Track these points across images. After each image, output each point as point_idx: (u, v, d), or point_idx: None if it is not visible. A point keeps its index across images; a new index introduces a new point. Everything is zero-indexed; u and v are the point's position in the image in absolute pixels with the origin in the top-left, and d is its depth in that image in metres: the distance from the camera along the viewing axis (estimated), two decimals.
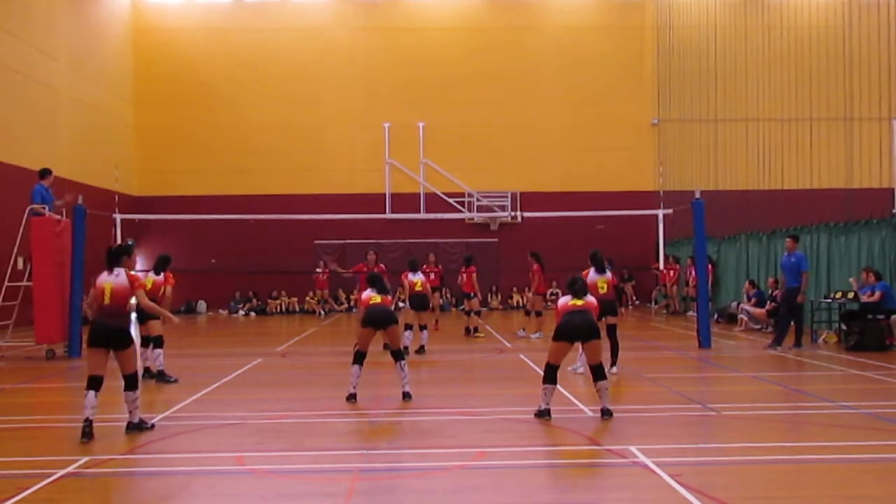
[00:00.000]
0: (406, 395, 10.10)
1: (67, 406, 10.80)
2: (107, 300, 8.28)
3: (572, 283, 9.29)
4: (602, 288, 12.11)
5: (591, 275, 12.12)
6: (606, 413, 8.77)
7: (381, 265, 17.20)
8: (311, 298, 29.21)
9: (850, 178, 27.39)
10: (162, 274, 12.23)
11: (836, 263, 17.97)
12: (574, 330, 8.87)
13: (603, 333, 11.00)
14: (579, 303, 9.08)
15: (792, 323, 15.36)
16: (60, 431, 8.81)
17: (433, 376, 12.83)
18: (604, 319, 11.94)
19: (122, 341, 8.29)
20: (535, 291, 18.41)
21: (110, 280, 8.35)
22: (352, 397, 10.09)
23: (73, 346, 15.13)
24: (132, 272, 8.67)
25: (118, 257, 8.50)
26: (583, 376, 11.98)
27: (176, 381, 11.69)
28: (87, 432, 7.95)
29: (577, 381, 11.44)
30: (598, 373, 8.95)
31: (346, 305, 29.11)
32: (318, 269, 27.37)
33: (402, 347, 10.82)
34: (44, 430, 8.93)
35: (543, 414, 8.80)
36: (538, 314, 18.20)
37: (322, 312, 27.65)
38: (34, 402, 11.02)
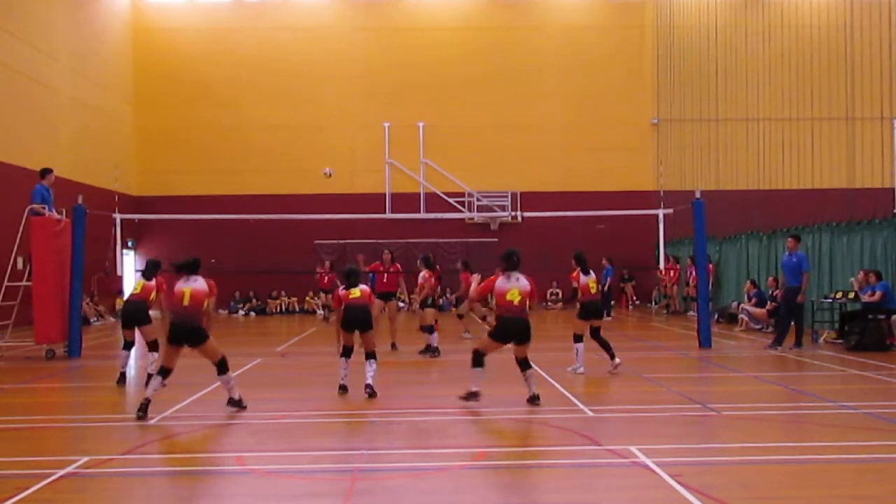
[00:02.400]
0: (367, 387, 10.29)
1: (67, 406, 10.81)
2: (186, 302, 9.30)
3: (507, 256, 9.70)
4: (593, 289, 12.30)
5: (583, 277, 12.28)
6: (535, 399, 9.55)
7: (398, 264, 17.21)
8: (311, 298, 29.20)
9: (851, 177, 27.34)
10: (153, 279, 12.11)
11: (838, 263, 17.97)
12: (510, 334, 9.57)
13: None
14: (515, 301, 9.51)
15: (792, 323, 15.35)
16: (60, 431, 8.80)
17: (433, 376, 12.83)
18: (590, 321, 12.27)
19: (198, 338, 9.28)
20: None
21: (189, 285, 9.42)
22: (343, 388, 10.53)
23: (73, 346, 15.13)
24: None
25: (196, 267, 9.62)
26: (583, 376, 12.00)
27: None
28: (144, 408, 8.95)
29: (578, 382, 11.43)
30: (524, 364, 9.70)
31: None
32: (319, 269, 26.37)
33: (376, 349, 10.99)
34: (44, 430, 8.92)
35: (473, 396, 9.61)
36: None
37: (325, 316, 25.91)
38: (34, 402, 11.01)
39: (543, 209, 24.43)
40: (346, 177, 30.68)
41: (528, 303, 9.60)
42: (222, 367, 9.42)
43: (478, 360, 9.73)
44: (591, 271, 12.47)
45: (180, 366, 13.10)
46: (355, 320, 10.56)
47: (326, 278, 25.28)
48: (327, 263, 26.69)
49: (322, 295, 26.48)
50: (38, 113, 23.69)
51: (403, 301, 22.30)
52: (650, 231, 23.73)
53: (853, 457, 7.06)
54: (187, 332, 9.26)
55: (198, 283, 9.51)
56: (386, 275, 16.17)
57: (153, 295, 11.95)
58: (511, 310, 9.50)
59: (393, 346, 15.65)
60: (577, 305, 12.60)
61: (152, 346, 11.84)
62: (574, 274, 12.43)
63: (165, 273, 12.22)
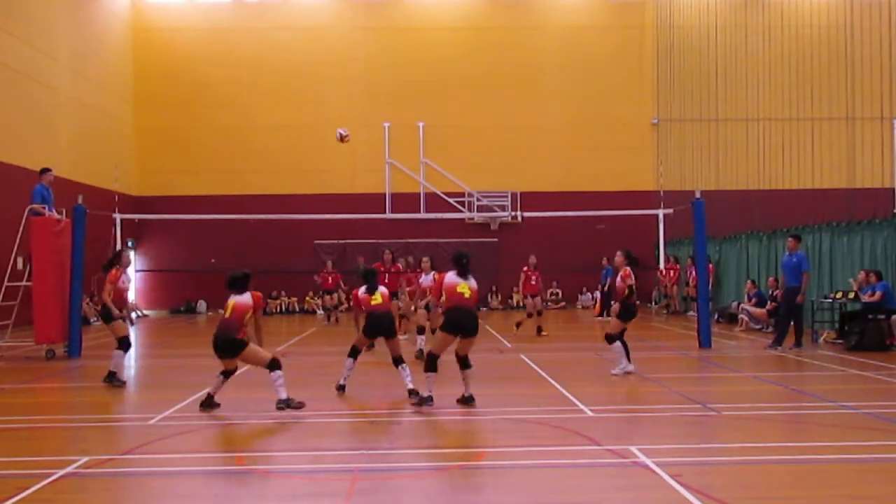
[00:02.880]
0: (412, 393, 9.92)
1: (67, 406, 10.81)
2: (227, 314, 9.33)
3: (458, 258, 9.75)
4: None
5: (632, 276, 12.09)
6: (470, 399, 9.59)
7: (398, 264, 17.17)
8: (311, 298, 29.18)
9: (851, 177, 27.33)
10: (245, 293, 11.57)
11: (838, 263, 17.97)
12: (459, 326, 9.53)
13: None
14: (466, 294, 9.57)
15: (792, 323, 15.35)
16: (60, 431, 8.80)
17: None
18: (628, 323, 11.98)
19: (234, 349, 9.28)
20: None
21: (234, 298, 9.40)
22: (341, 388, 10.50)
23: (73, 346, 15.13)
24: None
25: (245, 282, 9.49)
26: (584, 376, 11.99)
27: (124, 383, 11.53)
28: (208, 403, 9.35)
29: (578, 382, 11.42)
30: (465, 363, 9.73)
31: (346, 305, 28.50)
32: (322, 271, 25.25)
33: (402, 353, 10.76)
34: (44, 430, 8.92)
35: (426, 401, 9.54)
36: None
37: (329, 318, 24.70)
38: (34, 402, 11.01)
39: (543, 209, 24.45)
40: (346, 177, 30.71)
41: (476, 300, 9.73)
42: (273, 365, 9.36)
43: (431, 364, 9.65)
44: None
45: (181, 365, 13.14)
46: (380, 327, 10.37)
47: (331, 279, 24.45)
48: (329, 263, 26.08)
49: (325, 296, 25.31)
50: (38, 113, 23.69)
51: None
52: (650, 231, 23.76)
53: (853, 457, 7.06)
54: (223, 344, 9.31)
55: (243, 297, 9.42)
56: (387, 275, 16.10)
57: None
58: (461, 301, 9.52)
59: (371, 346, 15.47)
60: (618, 305, 12.35)
61: (121, 342, 11.63)
62: (626, 272, 12.04)
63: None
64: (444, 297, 9.68)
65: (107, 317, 11.75)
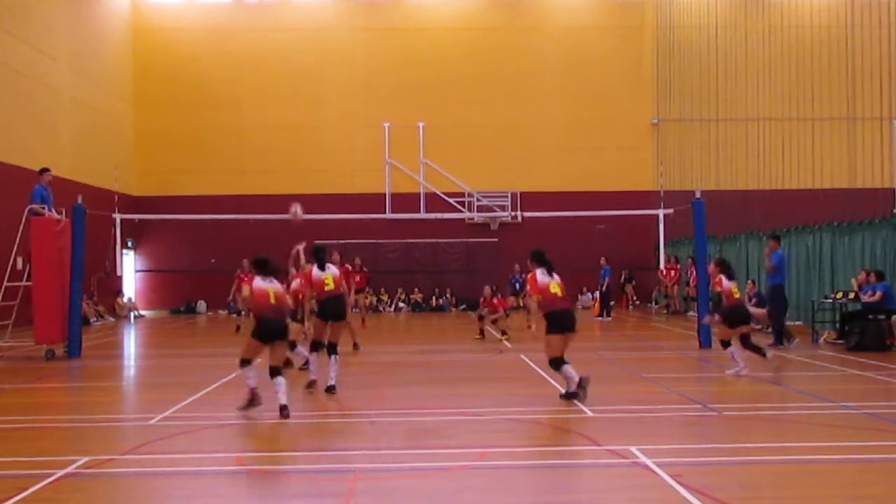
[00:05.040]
0: (330, 388, 10.48)
1: (67, 406, 10.80)
2: (272, 300, 9.36)
3: (315, 252, 10.92)
4: (736, 293, 12.11)
5: (725, 282, 12.06)
6: (331, 389, 10.38)
7: (347, 266, 17.09)
8: (311, 299, 29.08)
9: (851, 178, 27.34)
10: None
11: (839, 263, 17.97)
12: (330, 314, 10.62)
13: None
14: (330, 284, 10.67)
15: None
16: (60, 431, 8.80)
17: (433, 376, 12.80)
18: (738, 328, 11.99)
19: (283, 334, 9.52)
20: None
21: (268, 285, 9.44)
22: (311, 385, 10.77)
23: (73, 346, 15.12)
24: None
25: (271, 268, 9.65)
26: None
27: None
28: (253, 401, 9.13)
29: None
30: (332, 349, 10.59)
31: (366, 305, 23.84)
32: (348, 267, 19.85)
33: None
34: (44, 430, 8.91)
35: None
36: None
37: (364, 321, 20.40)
38: (34, 402, 11.00)
39: (543, 209, 24.42)
40: (346, 177, 30.71)
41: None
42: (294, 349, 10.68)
43: (316, 345, 10.65)
44: (735, 276, 12.33)
45: (180, 365, 13.16)
46: (334, 311, 10.76)
47: (358, 277, 20.09)
48: (358, 260, 21.43)
49: (357, 296, 20.05)
50: (38, 113, 23.69)
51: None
52: (650, 231, 23.73)
53: (853, 457, 7.06)
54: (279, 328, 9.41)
55: (275, 284, 9.64)
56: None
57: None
58: (327, 293, 10.54)
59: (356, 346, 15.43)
60: (716, 314, 12.50)
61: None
62: (717, 279, 12.13)
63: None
64: (539, 298, 9.96)
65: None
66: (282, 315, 9.44)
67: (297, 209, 14.67)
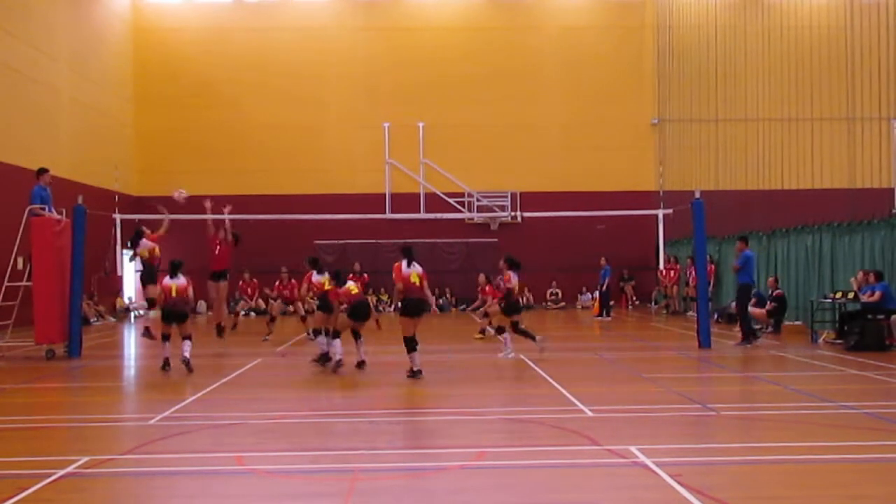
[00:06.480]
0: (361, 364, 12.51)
1: (67, 406, 10.81)
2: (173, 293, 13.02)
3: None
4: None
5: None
6: (187, 363, 12.42)
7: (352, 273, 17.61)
8: (311, 299, 29.09)
9: (851, 178, 27.35)
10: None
11: (838, 263, 17.96)
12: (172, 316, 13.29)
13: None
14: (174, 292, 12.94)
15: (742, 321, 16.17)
16: (60, 431, 8.80)
17: (433, 376, 12.81)
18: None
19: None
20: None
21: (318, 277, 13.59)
22: (339, 364, 12.30)
23: (73, 346, 15.13)
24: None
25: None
26: (583, 376, 11.99)
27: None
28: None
29: (578, 382, 11.43)
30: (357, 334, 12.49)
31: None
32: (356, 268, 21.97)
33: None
34: (44, 430, 8.92)
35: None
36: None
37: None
38: (34, 402, 11.00)
39: (543, 209, 24.41)
40: (346, 177, 30.71)
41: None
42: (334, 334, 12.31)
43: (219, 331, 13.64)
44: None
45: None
46: (363, 315, 12.67)
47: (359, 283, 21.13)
48: (357, 265, 23.13)
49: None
50: (38, 113, 23.69)
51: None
52: (650, 231, 23.72)
53: (853, 457, 7.06)
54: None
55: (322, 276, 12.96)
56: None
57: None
58: (354, 297, 12.48)
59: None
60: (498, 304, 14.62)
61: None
62: (507, 276, 13.97)
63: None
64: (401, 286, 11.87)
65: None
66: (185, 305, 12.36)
67: (180, 193, 17.82)
